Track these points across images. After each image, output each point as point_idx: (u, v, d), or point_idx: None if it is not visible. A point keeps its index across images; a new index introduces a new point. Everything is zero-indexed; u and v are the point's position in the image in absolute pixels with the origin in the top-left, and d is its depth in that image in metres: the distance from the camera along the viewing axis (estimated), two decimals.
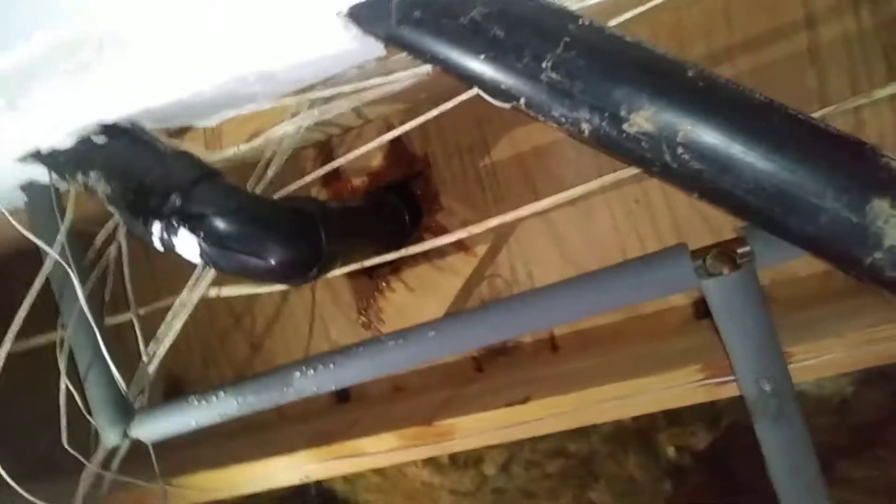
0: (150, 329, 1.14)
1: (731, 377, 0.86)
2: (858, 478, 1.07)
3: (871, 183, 0.62)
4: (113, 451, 1.11)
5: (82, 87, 0.81)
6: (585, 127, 0.70)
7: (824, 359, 0.87)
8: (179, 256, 0.89)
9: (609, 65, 0.68)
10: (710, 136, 0.65)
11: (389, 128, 1.29)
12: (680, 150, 0.66)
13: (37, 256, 1.07)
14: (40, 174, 1.01)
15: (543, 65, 0.69)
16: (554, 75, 0.69)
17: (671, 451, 1.14)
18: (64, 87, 0.80)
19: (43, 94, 0.78)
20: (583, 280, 0.83)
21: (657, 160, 0.68)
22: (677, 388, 0.91)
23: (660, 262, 0.82)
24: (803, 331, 0.92)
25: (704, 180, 0.67)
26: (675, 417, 1.12)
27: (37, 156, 0.93)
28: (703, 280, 0.77)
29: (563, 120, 0.71)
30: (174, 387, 1.49)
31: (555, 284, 0.86)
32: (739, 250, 0.77)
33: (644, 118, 0.66)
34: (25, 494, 1.05)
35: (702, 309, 1.18)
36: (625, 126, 0.68)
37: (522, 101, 0.72)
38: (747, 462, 1.08)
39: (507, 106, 0.78)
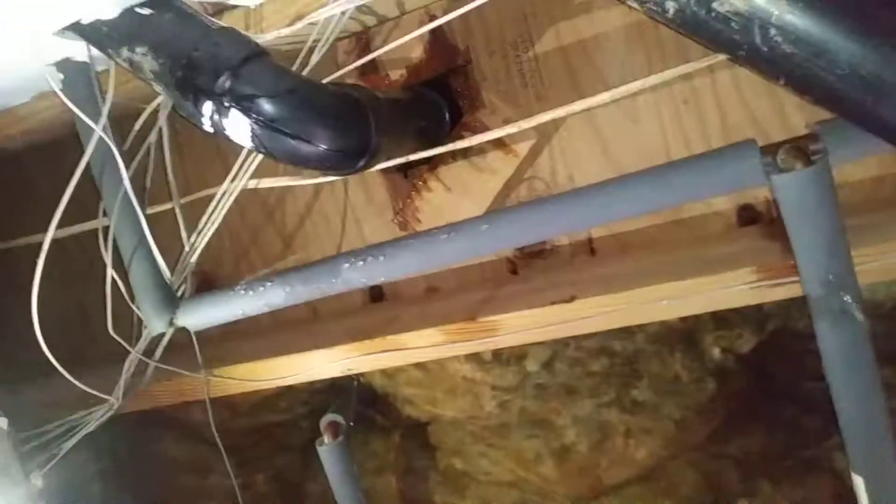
0: (188, 219, 1.13)
1: (787, 279, 0.86)
2: None
3: None
4: (155, 341, 1.12)
5: None
6: (671, 6, 0.66)
7: (884, 262, 0.86)
8: (228, 139, 0.86)
9: None
10: (805, 18, 0.62)
11: (430, 17, 1.24)
12: (772, 32, 0.63)
13: (68, 144, 1.05)
14: (77, 50, 0.98)
15: None
16: None
17: (717, 353, 1.15)
18: None
19: None
20: (650, 173, 0.82)
21: (746, 42, 0.65)
22: (730, 289, 0.91)
23: (728, 157, 0.80)
24: (862, 234, 0.90)
25: (794, 65, 0.64)
26: (722, 320, 1.12)
27: (77, 28, 0.89)
28: (772, 176, 0.75)
29: None
30: (206, 281, 1.49)
31: (612, 180, 0.84)
32: (812, 146, 0.75)
33: None
34: (72, 379, 1.06)
35: (746, 215, 1.16)
36: (714, 4, 0.64)
37: None
38: (788, 368, 1.10)
39: None
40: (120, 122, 1.11)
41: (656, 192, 0.81)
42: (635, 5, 0.69)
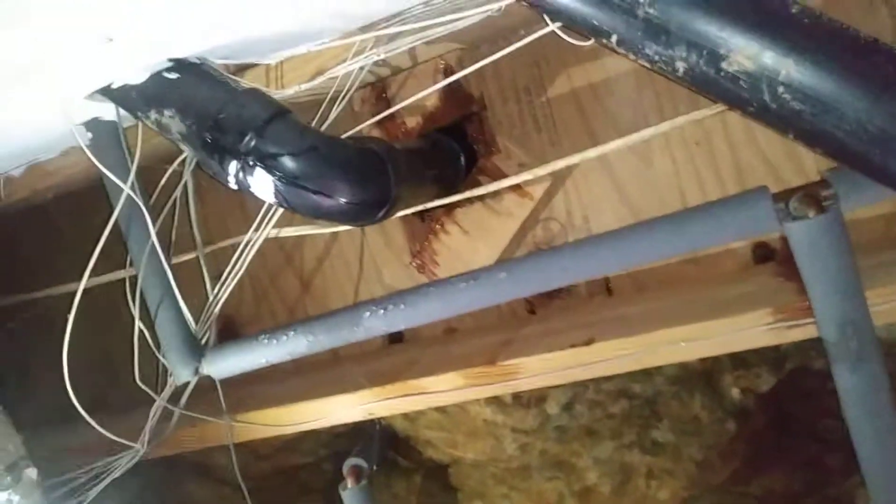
0: (210, 267, 1.15)
1: (803, 321, 0.87)
2: None
3: None
4: (180, 388, 1.14)
5: (160, 22, 0.80)
6: (680, 66, 0.69)
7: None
8: (252, 195, 0.89)
9: (710, 1, 0.66)
10: (813, 76, 0.64)
11: (446, 68, 1.28)
12: (781, 90, 0.65)
13: (94, 196, 1.08)
14: (106, 111, 1.01)
15: (641, 0, 0.67)
16: (651, 11, 0.67)
17: (736, 393, 1.15)
18: (142, 22, 0.79)
19: (135, 26, 0.77)
20: (661, 222, 0.83)
21: (755, 100, 0.67)
22: (747, 330, 0.92)
23: (740, 205, 0.81)
24: (875, 274, 0.91)
25: (803, 121, 0.66)
26: (740, 360, 1.13)
27: (106, 92, 0.92)
28: (785, 223, 0.77)
29: (657, 58, 0.70)
30: (228, 326, 1.52)
31: (631, 226, 0.86)
32: (824, 193, 0.77)
33: (745, 56, 0.65)
34: (99, 428, 1.08)
35: (761, 253, 1.17)
36: (723, 64, 0.66)
37: (614, 38, 0.71)
38: (808, 406, 1.10)
39: (586, 44, 0.77)
40: (145, 174, 1.15)
41: (670, 239, 0.82)
42: (646, 64, 0.71)
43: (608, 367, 0.99)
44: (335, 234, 1.44)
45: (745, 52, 0.65)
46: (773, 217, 0.78)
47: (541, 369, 1.02)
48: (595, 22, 0.71)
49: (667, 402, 1.18)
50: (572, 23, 0.73)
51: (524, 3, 0.76)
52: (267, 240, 1.25)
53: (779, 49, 0.64)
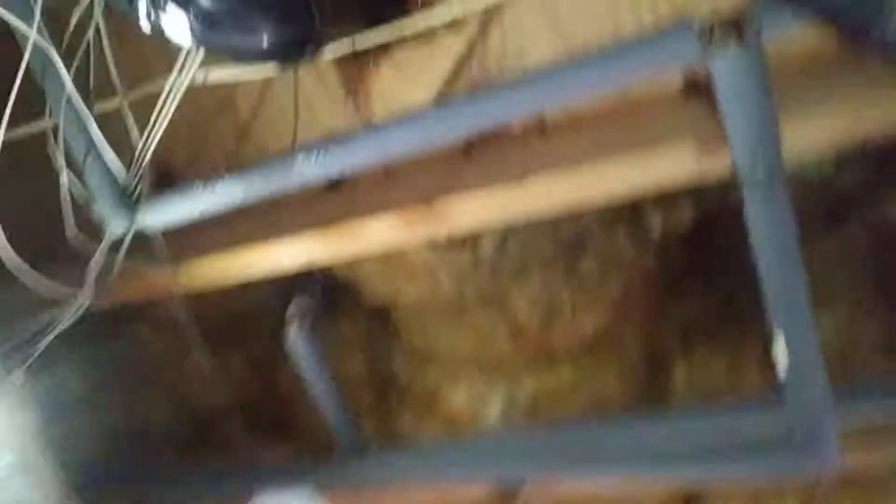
0: (135, 116, 1.11)
1: (725, 151, 0.90)
2: (827, 249, 1.16)
3: None
4: (118, 242, 1.13)
5: None
6: None
7: (812, 135, 0.90)
8: (167, 38, 0.85)
9: None
10: None
11: None
12: None
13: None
14: None
15: None
16: None
17: (658, 229, 1.21)
18: None
19: None
20: (585, 59, 0.83)
21: None
22: (672, 163, 0.95)
23: (664, 38, 0.82)
24: (792, 106, 0.93)
25: None
26: (663, 197, 1.17)
27: None
28: (709, 53, 0.77)
29: None
30: (163, 175, 1.48)
31: (555, 65, 0.86)
32: (746, 24, 0.77)
33: None
34: (42, 278, 1.08)
35: (690, 87, 1.18)
36: None
37: None
38: (726, 243, 1.16)
39: None
40: (55, 18, 1.07)
41: (597, 75, 0.83)
42: None
43: (539, 204, 1.02)
44: (269, 76, 1.39)
45: None
46: (697, 48, 0.78)
47: (475, 209, 1.05)
48: None
49: (593, 237, 1.23)
50: None
51: None
52: (197, 87, 1.21)
53: None
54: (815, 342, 0.92)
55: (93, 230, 1.15)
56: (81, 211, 1.13)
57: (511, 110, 0.90)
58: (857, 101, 0.89)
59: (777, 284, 0.86)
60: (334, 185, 1.43)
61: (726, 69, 0.77)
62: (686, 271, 1.28)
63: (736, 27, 0.76)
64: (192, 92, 1.38)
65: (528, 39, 1.22)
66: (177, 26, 0.82)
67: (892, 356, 1.22)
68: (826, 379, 0.93)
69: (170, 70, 1.06)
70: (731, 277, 1.24)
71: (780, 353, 0.89)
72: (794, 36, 1.07)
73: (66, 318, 1.26)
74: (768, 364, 0.97)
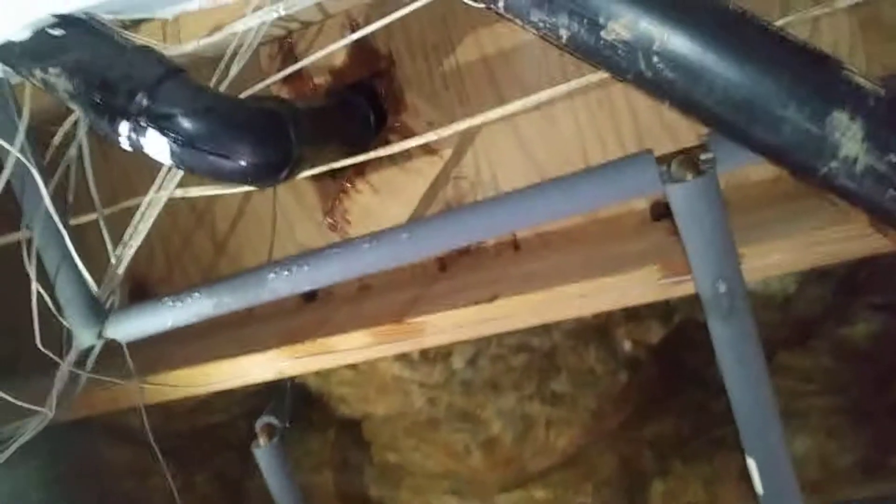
0: (111, 231, 1.13)
1: (686, 276, 0.92)
2: (795, 366, 1.18)
3: (833, 96, 0.65)
4: (86, 352, 1.13)
5: None
6: (563, 33, 0.70)
7: (773, 259, 0.93)
8: (147, 157, 0.87)
9: None
10: (684, 46, 0.67)
11: (353, 23, 1.26)
12: (655, 59, 0.68)
13: None
14: None
15: None
16: None
17: (628, 345, 1.22)
18: None
19: None
20: (552, 185, 0.86)
21: (632, 68, 0.70)
22: (637, 286, 0.97)
23: (626, 168, 0.85)
24: (754, 232, 0.97)
25: (676, 89, 0.69)
26: (632, 314, 1.19)
27: None
28: (667, 185, 0.81)
29: (542, 25, 0.71)
30: (139, 287, 1.49)
31: (524, 189, 0.89)
32: (702, 157, 0.81)
33: (622, 25, 0.67)
34: (4, 392, 1.06)
35: (658, 211, 1.22)
36: (602, 33, 0.68)
37: (501, 3, 0.72)
38: (694, 356, 1.17)
39: (481, 6, 0.78)
40: (39, 133, 1.11)
41: (563, 201, 0.86)
42: (534, 31, 0.73)
43: (509, 322, 1.03)
44: (247, 193, 1.43)
45: (622, 21, 0.67)
46: (657, 179, 0.82)
47: (446, 326, 1.05)
48: None
49: (564, 354, 1.24)
50: None
51: None
52: (177, 201, 1.23)
53: (653, 19, 0.66)
54: (789, 466, 0.91)
55: (61, 342, 1.14)
56: (52, 322, 1.12)
57: (481, 231, 0.92)
58: (813, 228, 0.92)
59: (746, 410, 0.86)
60: (309, 298, 1.44)
61: (684, 200, 0.80)
62: (659, 385, 1.28)
63: (692, 160, 0.80)
64: (171, 205, 1.41)
65: (501, 164, 1.28)
66: (157, 149, 0.84)
67: (868, 474, 1.21)
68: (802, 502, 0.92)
69: (153, 182, 1.09)
70: (704, 389, 1.24)
71: (754, 478, 0.88)
72: (752, 168, 1.14)
73: (29, 431, 1.23)
74: (746, 478, 0.96)
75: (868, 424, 1.15)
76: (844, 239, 0.91)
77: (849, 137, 0.65)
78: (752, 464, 0.89)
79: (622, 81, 0.74)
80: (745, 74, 0.66)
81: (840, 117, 0.65)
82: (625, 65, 0.70)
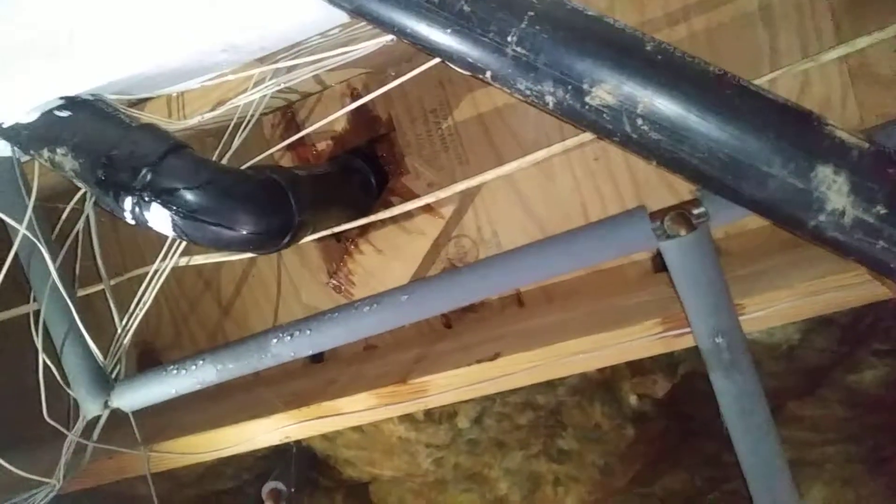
0: (120, 298, 1.15)
1: (687, 329, 0.92)
2: (806, 416, 1.16)
3: (816, 151, 0.66)
4: (92, 421, 1.13)
5: (47, 64, 0.81)
6: (549, 99, 0.72)
7: (774, 309, 0.92)
8: (151, 230, 0.89)
9: (572, 39, 0.70)
10: (667, 108, 0.68)
11: (352, 91, 1.30)
12: (639, 122, 0.69)
13: (2, 230, 1.06)
14: (1, 148, 1.00)
15: (509, 38, 0.71)
16: (519, 49, 0.71)
17: (633, 399, 1.21)
18: (30, 64, 0.80)
19: (11, 72, 0.77)
20: (547, 244, 0.87)
21: (618, 131, 0.71)
22: (638, 340, 0.96)
23: (620, 224, 0.86)
24: (755, 282, 0.97)
25: (662, 150, 0.71)
26: (636, 367, 1.19)
27: None
28: (661, 241, 0.82)
29: (528, 92, 0.73)
30: (147, 353, 1.50)
31: (520, 249, 0.90)
32: (695, 211, 0.82)
33: (605, 91, 0.69)
34: (7, 465, 1.06)
35: (660, 263, 1.23)
36: (587, 98, 0.70)
37: (489, 73, 0.74)
38: (703, 407, 1.16)
39: (469, 74, 0.80)
40: (49, 207, 1.14)
41: (559, 258, 0.86)
42: (521, 98, 0.75)
43: (512, 380, 1.02)
44: (253, 258, 1.45)
45: (606, 87, 0.69)
46: (651, 235, 0.82)
47: (449, 385, 1.05)
48: (469, 59, 0.74)
49: (569, 411, 1.23)
50: (451, 60, 0.76)
51: (405, 42, 0.78)
52: (183, 267, 1.25)
53: (635, 84, 0.68)
54: None
55: (68, 412, 1.15)
56: (59, 392, 1.13)
57: (478, 291, 0.93)
58: (813, 277, 0.92)
59: (753, 462, 0.85)
60: (316, 359, 1.45)
61: (677, 255, 0.80)
62: (668, 439, 1.27)
63: (685, 215, 0.81)
64: (178, 272, 1.43)
65: (502, 221, 1.29)
66: (160, 222, 0.86)
67: None
68: None
69: (160, 251, 1.11)
70: (715, 441, 1.22)
71: None
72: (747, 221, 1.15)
73: (38, 502, 1.23)
74: None
75: (884, 472, 1.13)
76: (844, 287, 0.91)
77: (834, 191, 0.66)
78: None
79: (610, 143, 0.75)
80: (728, 133, 0.67)
81: (824, 171, 0.66)
82: (610, 128, 0.71)
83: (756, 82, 0.91)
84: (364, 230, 1.32)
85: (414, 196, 1.18)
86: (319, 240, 1.37)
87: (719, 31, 1.15)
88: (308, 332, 0.97)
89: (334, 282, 1.35)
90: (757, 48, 1.14)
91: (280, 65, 0.98)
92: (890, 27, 0.91)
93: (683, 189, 1.19)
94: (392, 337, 1.38)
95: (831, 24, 1.11)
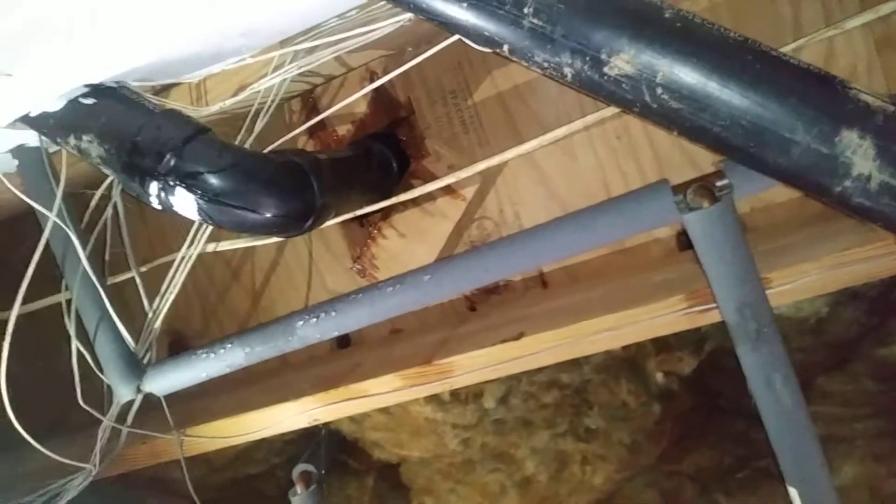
0: (151, 285, 1.17)
1: (714, 305, 0.91)
2: (835, 391, 1.14)
3: (840, 116, 0.65)
4: (126, 406, 1.16)
5: (72, 51, 0.82)
6: (568, 71, 0.72)
7: (801, 282, 0.91)
8: (177, 214, 0.91)
9: (588, 9, 0.69)
10: (687, 76, 0.68)
11: (372, 75, 1.31)
12: (659, 91, 0.69)
13: (31, 220, 1.09)
14: (30, 137, 1.02)
15: (525, 10, 0.70)
16: (536, 21, 0.70)
17: (660, 377, 1.20)
18: (56, 51, 0.81)
19: (37, 60, 0.79)
20: (569, 220, 0.87)
21: (638, 101, 0.71)
22: (663, 316, 0.96)
23: (643, 198, 0.85)
24: (781, 256, 0.96)
25: (683, 118, 0.70)
26: (662, 344, 1.18)
27: (26, 120, 0.93)
28: (684, 214, 0.81)
29: (546, 65, 0.73)
30: (177, 342, 1.53)
31: (542, 225, 0.89)
32: (718, 183, 0.81)
33: (624, 60, 0.69)
34: (46, 451, 1.09)
35: (685, 240, 1.22)
36: (606, 69, 0.70)
37: (506, 47, 0.74)
38: (730, 384, 1.15)
39: (488, 50, 0.80)
40: (77, 196, 1.16)
41: (580, 236, 0.86)
42: (539, 71, 0.75)
43: (537, 359, 1.02)
44: (280, 245, 1.47)
45: (624, 56, 0.68)
46: (674, 209, 0.82)
47: (474, 365, 1.06)
48: (486, 33, 0.74)
49: (595, 389, 1.22)
50: (467, 35, 0.76)
51: (422, 18, 0.78)
52: (211, 255, 1.27)
53: (654, 52, 0.68)
54: (833, 494, 0.88)
55: (102, 398, 1.18)
56: (92, 379, 1.16)
57: (499, 270, 0.92)
58: (840, 249, 0.91)
59: (783, 438, 0.84)
60: (343, 344, 1.46)
61: (701, 228, 0.80)
62: (695, 416, 1.26)
63: (708, 188, 0.80)
64: (207, 261, 1.46)
65: (524, 202, 1.29)
66: (185, 206, 0.87)
67: None
68: None
69: (186, 238, 1.13)
70: (743, 418, 1.22)
71: None
72: (778, 190, 1.13)
73: (75, 488, 1.26)
74: None
75: None
76: (871, 258, 0.89)
77: (860, 156, 0.65)
78: (794, 493, 0.87)
79: (630, 114, 0.75)
80: (749, 100, 0.67)
81: (849, 136, 0.65)
82: (630, 98, 0.71)
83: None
84: (387, 214, 1.33)
85: (435, 179, 1.18)
86: (343, 225, 1.39)
87: (741, 2, 1.13)
88: (333, 313, 0.98)
89: (358, 266, 1.36)
90: (780, 20, 1.12)
91: (299, 47, 0.98)
92: None
93: (707, 165, 1.17)
94: (417, 320, 1.39)
95: None
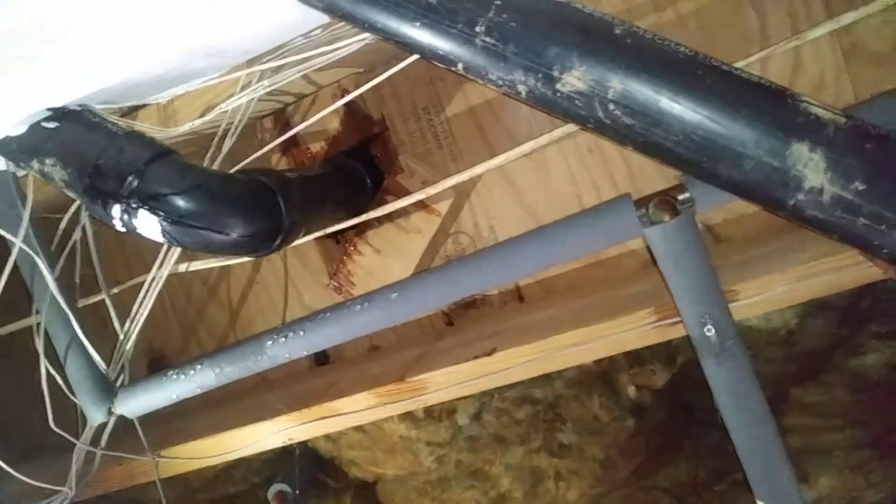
0: (127, 305, 1.16)
1: (678, 318, 0.91)
2: (810, 402, 1.14)
3: (790, 129, 0.65)
4: (100, 429, 1.15)
5: (32, 75, 0.82)
6: (522, 88, 0.72)
7: (768, 294, 0.91)
8: (141, 236, 0.90)
9: (539, 26, 0.69)
10: (638, 92, 0.68)
11: (343, 92, 1.31)
12: (612, 107, 0.69)
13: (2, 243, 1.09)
14: None
15: (477, 29, 0.71)
16: (488, 39, 0.70)
17: (632, 391, 1.20)
18: (14, 76, 0.81)
19: None
20: (535, 235, 0.86)
21: (592, 117, 0.71)
22: (633, 330, 0.95)
23: (606, 213, 0.85)
24: (749, 268, 0.96)
25: (636, 134, 0.70)
26: (634, 358, 1.17)
27: None
28: (646, 228, 0.81)
29: (501, 82, 0.73)
30: (157, 361, 1.52)
31: (509, 241, 0.89)
32: (680, 197, 0.81)
33: (576, 77, 0.69)
34: (19, 476, 1.08)
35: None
36: (558, 85, 0.70)
37: (460, 65, 0.74)
38: (704, 396, 1.14)
39: (444, 67, 0.80)
40: (47, 219, 1.15)
41: (547, 250, 0.86)
42: (494, 88, 0.75)
43: (509, 375, 1.02)
44: (256, 262, 1.46)
45: (576, 73, 0.68)
46: (637, 222, 0.82)
47: (447, 382, 1.05)
48: (440, 52, 0.74)
49: (567, 404, 1.22)
50: (423, 54, 0.76)
51: (380, 38, 0.78)
52: (188, 274, 1.26)
53: (605, 68, 0.68)
54: None
55: (76, 421, 1.17)
56: (68, 402, 1.15)
57: (466, 286, 0.92)
58: (806, 260, 0.91)
59: (750, 451, 0.83)
60: (321, 361, 1.45)
61: (663, 241, 0.79)
62: (669, 429, 1.25)
63: (669, 201, 0.80)
64: (184, 280, 1.45)
65: (498, 216, 1.29)
66: (149, 228, 0.87)
67: None
68: None
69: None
70: (718, 430, 1.21)
71: None
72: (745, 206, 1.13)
73: None
74: None
75: (894, 457, 1.10)
76: (839, 269, 0.89)
77: (811, 169, 0.65)
78: None
79: (586, 130, 0.75)
80: (700, 114, 0.66)
81: (800, 149, 0.64)
82: (584, 114, 0.71)
83: (746, 62, 0.91)
84: (362, 231, 1.33)
85: (409, 194, 1.18)
86: (319, 242, 1.38)
87: (708, 13, 1.13)
88: (301, 332, 0.97)
89: (335, 283, 1.35)
90: (747, 30, 1.12)
91: (265, 66, 0.98)
92: (876, 1, 0.89)
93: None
94: (395, 336, 1.39)
95: (821, 5, 1.09)
